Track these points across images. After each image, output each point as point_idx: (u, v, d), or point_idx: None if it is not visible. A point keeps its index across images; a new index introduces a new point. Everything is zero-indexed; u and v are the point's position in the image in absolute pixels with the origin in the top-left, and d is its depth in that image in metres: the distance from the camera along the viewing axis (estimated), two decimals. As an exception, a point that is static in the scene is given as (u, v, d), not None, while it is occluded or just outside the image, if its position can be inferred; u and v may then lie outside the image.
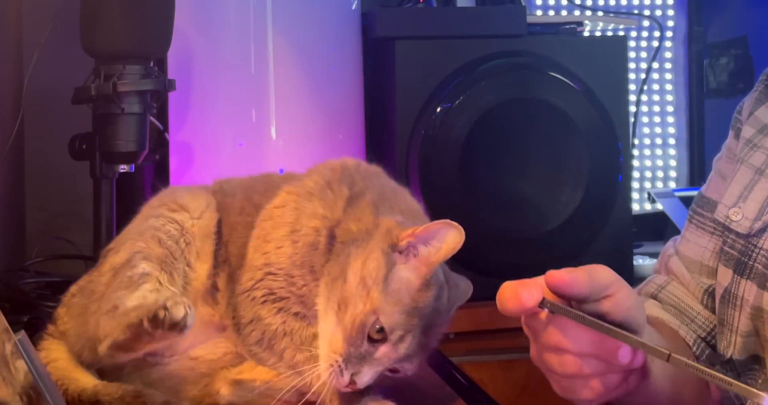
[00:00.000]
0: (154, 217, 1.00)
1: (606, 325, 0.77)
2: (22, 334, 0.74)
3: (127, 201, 1.63)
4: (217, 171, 1.57)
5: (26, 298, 1.54)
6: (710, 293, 1.13)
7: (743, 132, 1.14)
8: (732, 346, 1.07)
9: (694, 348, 1.13)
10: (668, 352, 0.72)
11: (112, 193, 1.43)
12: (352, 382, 0.88)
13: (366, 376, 0.88)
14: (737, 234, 1.07)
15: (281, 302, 0.94)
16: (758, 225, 1.05)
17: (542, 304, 0.79)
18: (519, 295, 0.80)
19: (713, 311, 1.12)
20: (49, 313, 1.47)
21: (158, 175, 1.75)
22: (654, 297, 1.17)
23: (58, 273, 1.71)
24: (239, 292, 0.96)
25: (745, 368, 1.07)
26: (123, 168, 1.43)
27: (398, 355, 0.89)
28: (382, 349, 0.88)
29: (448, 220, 0.89)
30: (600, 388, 0.84)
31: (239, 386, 0.95)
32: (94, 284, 1.00)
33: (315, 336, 0.92)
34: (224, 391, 0.95)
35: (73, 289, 1.05)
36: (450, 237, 0.88)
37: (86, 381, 0.94)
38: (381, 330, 0.87)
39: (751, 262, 1.04)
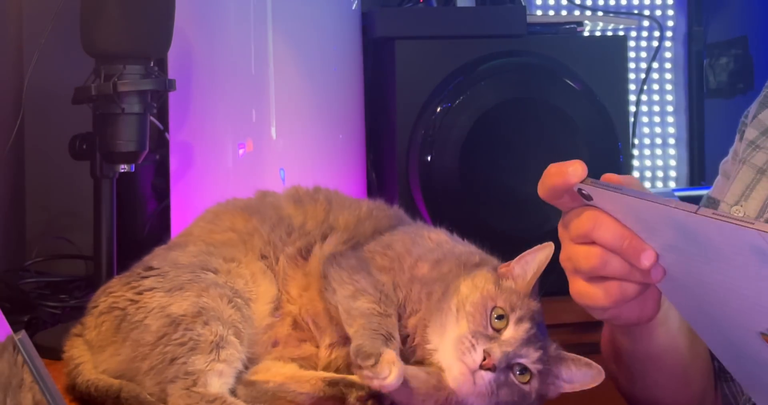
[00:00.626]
0: (213, 273, 0.99)
1: (643, 192, 0.78)
2: (23, 333, 0.74)
3: (127, 201, 1.64)
4: (218, 171, 1.57)
5: (26, 298, 1.55)
6: None
7: (746, 134, 1.16)
8: None
9: None
10: (696, 206, 0.72)
11: (112, 193, 1.43)
12: (486, 357, 0.89)
13: (498, 354, 0.89)
14: None
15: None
16: None
17: (582, 184, 0.81)
18: (565, 169, 0.83)
19: None
20: (50, 312, 1.49)
21: (158, 175, 1.75)
22: None
23: (59, 273, 1.72)
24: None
25: None
26: (123, 168, 1.43)
27: (522, 335, 0.91)
28: (507, 332, 0.91)
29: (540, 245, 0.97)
30: (617, 293, 0.86)
31: (252, 387, 0.95)
32: (136, 318, 0.96)
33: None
34: (238, 392, 0.95)
35: (102, 304, 1.01)
36: (540, 255, 0.97)
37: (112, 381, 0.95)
38: (501, 317, 0.91)
39: None
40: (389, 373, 0.86)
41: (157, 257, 1.04)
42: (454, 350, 0.90)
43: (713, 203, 1.17)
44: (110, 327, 0.98)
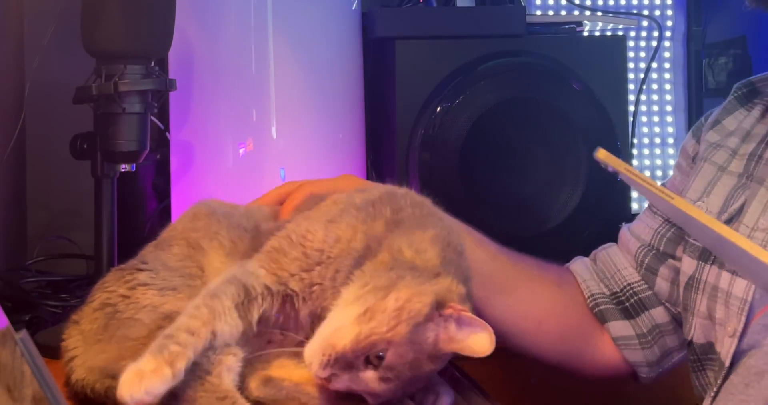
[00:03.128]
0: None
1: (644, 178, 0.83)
2: (24, 333, 0.75)
3: (128, 200, 1.64)
4: (218, 171, 1.57)
5: (27, 297, 1.55)
6: (646, 250, 1.27)
7: (707, 137, 1.24)
8: (692, 329, 1.16)
9: (588, 301, 1.27)
10: (674, 196, 0.79)
11: (113, 193, 1.44)
12: (327, 379, 0.87)
13: (340, 384, 0.87)
14: None
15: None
16: (723, 217, 1.14)
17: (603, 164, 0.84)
18: None
19: (641, 265, 1.26)
20: (51, 312, 1.49)
21: (159, 174, 1.76)
22: (594, 256, 1.33)
23: (60, 272, 1.72)
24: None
25: (704, 354, 1.15)
26: (124, 167, 1.43)
27: (375, 389, 0.88)
28: (369, 374, 0.88)
29: (487, 325, 0.88)
30: None
31: (269, 384, 0.94)
32: (126, 315, 0.96)
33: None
34: (253, 385, 0.94)
35: (96, 300, 1.00)
36: (478, 338, 0.88)
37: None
38: (381, 358, 0.87)
39: None
40: None
41: (148, 254, 1.05)
42: (319, 347, 0.90)
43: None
44: (101, 324, 0.98)
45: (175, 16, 1.42)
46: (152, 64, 1.41)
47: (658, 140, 2.23)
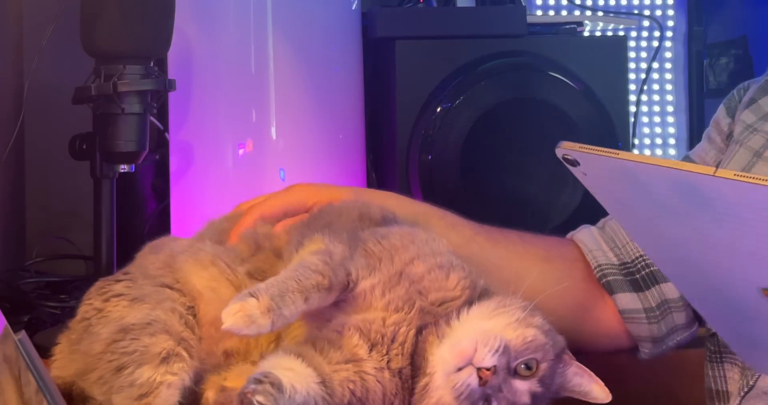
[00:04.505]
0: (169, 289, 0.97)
1: (636, 155, 0.77)
2: (23, 334, 0.75)
3: (127, 201, 1.64)
4: (218, 171, 1.57)
5: (26, 298, 1.55)
6: None
7: (743, 116, 1.18)
8: None
9: (596, 272, 1.21)
10: (714, 168, 0.71)
11: (112, 193, 1.43)
12: (490, 370, 0.84)
13: (495, 380, 0.84)
14: None
15: None
16: None
17: (566, 149, 0.78)
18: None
19: None
20: (50, 313, 1.49)
21: (158, 175, 1.75)
22: (603, 225, 1.26)
23: (59, 273, 1.72)
24: None
25: (726, 348, 1.12)
26: (123, 168, 1.43)
27: (520, 401, 0.85)
28: (520, 384, 0.85)
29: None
30: None
31: (224, 393, 0.94)
32: (95, 330, 0.95)
33: None
34: (210, 395, 0.94)
35: (79, 313, 0.99)
36: (598, 387, 0.89)
37: None
38: (533, 369, 0.85)
39: None
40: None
41: (137, 259, 1.04)
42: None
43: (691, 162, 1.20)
44: (77, 337, 0.98)
45: (174, 16, 1.41)
46: (151, 64, 1.41)
47: (659, 140, 2.22)
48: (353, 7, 1.66)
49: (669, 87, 2.23)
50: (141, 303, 0.95)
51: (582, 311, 1.21)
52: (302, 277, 0.88)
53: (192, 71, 1.57)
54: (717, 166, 1.14)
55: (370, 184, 1.70)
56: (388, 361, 0.88)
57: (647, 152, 2.21)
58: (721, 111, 1.25)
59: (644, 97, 2.18)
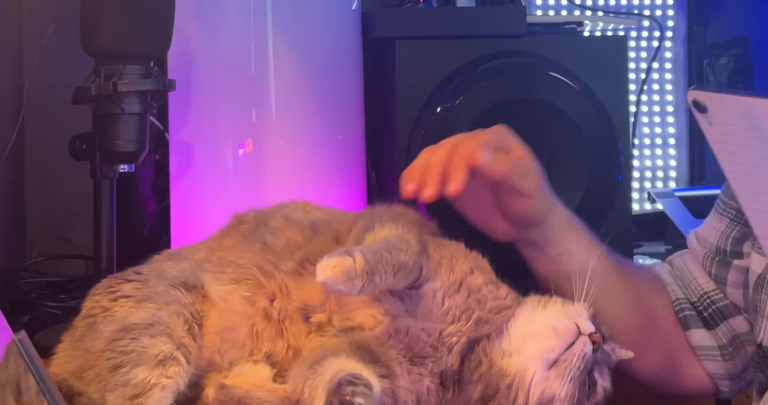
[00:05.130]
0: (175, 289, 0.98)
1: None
2: (22, 334, 0.75)
3: (127, 201, 1.64)
4: (218, 171, 1.57)
5: (26, 298, 1.55)
6: (710, 258, 1.19)
7: None
8: (763, 332, 1.09)
9: (674, 305, 1.20)
10: None
11: (112, 193, 1.43)
12: (596, 334, 0.93)
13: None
14: None
15: None
16: None
17: (697, 92, 0.77)
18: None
19: (709, 275, 1.20)
20: (50, 313, 1.49)
21: (158, 174, 1.75)
22: (670, 262, 1.25)
23: (59, 273, 1.72)
24: None
25: None
26: (123, 168, 1.43)
27: (605, 371, 0.96)
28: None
29: None
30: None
31: (223, 391, 0.95)
32: (99, 328, 0.96)
33: None
34: (210, 393, 0.95)
35: (84, 309, 1.00)
36: None
37: None
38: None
39: None
40: None
41: (153, 263, 1.04)
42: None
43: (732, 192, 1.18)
44: (80, 334, 0.98)
45: (174, 16, 1.41)
46: (151, 64, 1.41)
47: (659, 141, 2.22)
48: (353, 7, 1.66)
49: (669, 87, 2.23)
50: (148, 302, 0.96)
51: (676, 347, 1.20)
52: (392, 252, 0.90)
53: (192, 71, 1.57)
54: None
55: (370, 184, 1.70)
56: (431, 367, 0.91)
57: (647, 152, 2.21)
58: None
59: (644, 97, 2.18)
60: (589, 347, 0.92)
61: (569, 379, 0.91)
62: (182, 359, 0.92)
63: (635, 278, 1.20)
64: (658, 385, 1.20)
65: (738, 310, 1.18)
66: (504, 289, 0.98)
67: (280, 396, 0.93)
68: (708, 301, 1.19)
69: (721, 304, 1.19)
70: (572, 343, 0.92)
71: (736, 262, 1.18)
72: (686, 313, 1.20)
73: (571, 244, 1.13)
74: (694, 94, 0.77)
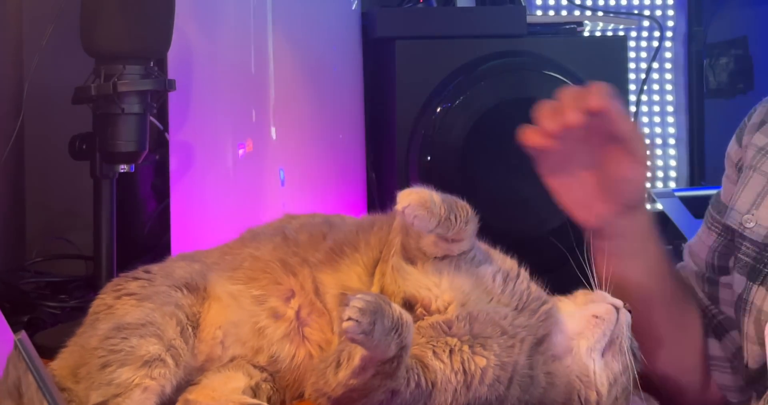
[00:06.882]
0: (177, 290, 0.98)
1: None
2: (22, 334, 0.75)
3: (127, 201, 1.64)
4: (217, 171, 1.57)
5: (26, 298, 1.55)
6: (702, 277, 1.20)
7: (755, 139, 1.14)
8: (746, 353, 1.09)
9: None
10: None
11: (112, 193, 1.43)
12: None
13: None
14: (751, 241, 1.08)
15: None
16: None
17: None
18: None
19: (704, 293, 1.20)
20: (50, 313, 1.49)
21: (158, 175, 1.75)
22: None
23: (58, 273, 1.72)
24: None
25: (760, 379, 1.08)
26: (123, 168, 1.43)
27: None
28: None
29: None
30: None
31: None
32: (98, 325, 0.96)
33: None
34: None
35: (92, 306, 1.01)
36: None
37: None
38: None
39: (766, 270, 1.05)
40: None
41: (165, 262, 1.05)
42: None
43: (720, 206, 1.17)
44: (81, 331, 0.99)
45: (174, 16, 1.41)
46: (151, 64, 1.41)
47: (659, 141, 2.22)
48: (353, 7, 1.66)
49: (669, 87, 2.23)
50: (148, 301, 0.96)
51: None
52: (459, 207, 0.92)
53: (192, 71, 1.57)
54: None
55: (370, 184, 1.70)
56: (496, 350, 0.93)
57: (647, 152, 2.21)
58: (731, 143, 1.21)
59: (644, 98, 2.18)
60: (629, 316, 0.96)
61: (624, 351, 0.96)
62: (170, 361, 0.92)
63: (682, 290, 1.19)
64: (692, 391, 1.19)
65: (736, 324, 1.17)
66: (535, 287, 1.02)
67: None
68: (710, 314, 1.19)
69: (721, 317, 1.18)
70: (617, 320, 0.96)
71: (723, 278, 1.18)
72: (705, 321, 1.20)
73: (640, 260, 1.13)
74: None
